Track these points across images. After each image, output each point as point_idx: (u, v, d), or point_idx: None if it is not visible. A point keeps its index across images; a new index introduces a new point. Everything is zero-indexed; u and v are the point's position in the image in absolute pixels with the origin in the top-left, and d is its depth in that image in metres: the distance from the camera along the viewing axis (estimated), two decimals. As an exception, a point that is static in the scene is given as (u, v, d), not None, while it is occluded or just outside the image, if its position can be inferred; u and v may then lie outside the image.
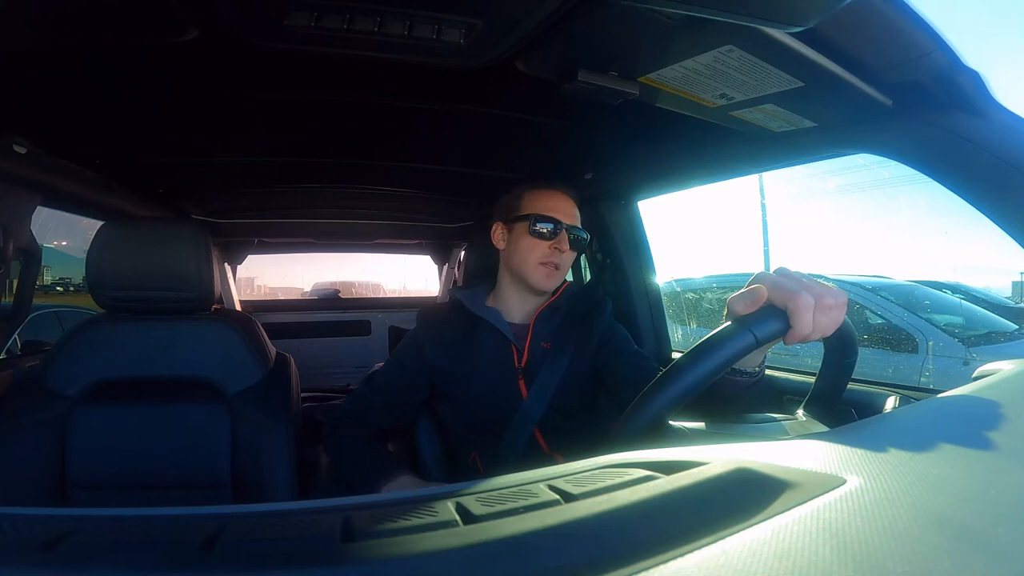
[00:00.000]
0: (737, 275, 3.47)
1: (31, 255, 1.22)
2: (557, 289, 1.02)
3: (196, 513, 0.30)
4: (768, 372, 0.60)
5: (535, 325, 0.99)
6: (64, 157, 1.17)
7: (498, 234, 1.01)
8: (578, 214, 0.99)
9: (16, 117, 0.97)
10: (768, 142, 0.93)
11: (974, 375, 0.57)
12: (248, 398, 1.01)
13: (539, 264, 0.95)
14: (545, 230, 0.94)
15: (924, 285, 3.14)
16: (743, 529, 0.26)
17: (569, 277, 1.34)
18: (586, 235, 0.99)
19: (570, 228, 0.96)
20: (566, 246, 0.95)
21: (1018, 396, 0.48)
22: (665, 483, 0.31)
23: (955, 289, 3.25)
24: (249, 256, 2.70)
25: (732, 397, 0.57)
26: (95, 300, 1.02)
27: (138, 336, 1.01)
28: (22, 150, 1.03)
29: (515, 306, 1.01)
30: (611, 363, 1.00)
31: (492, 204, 1.08)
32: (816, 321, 0.48)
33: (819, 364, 0.61)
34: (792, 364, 1.16)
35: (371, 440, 0.96)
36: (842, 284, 0.61)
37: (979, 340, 2.60)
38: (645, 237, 1.47)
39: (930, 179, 0.70)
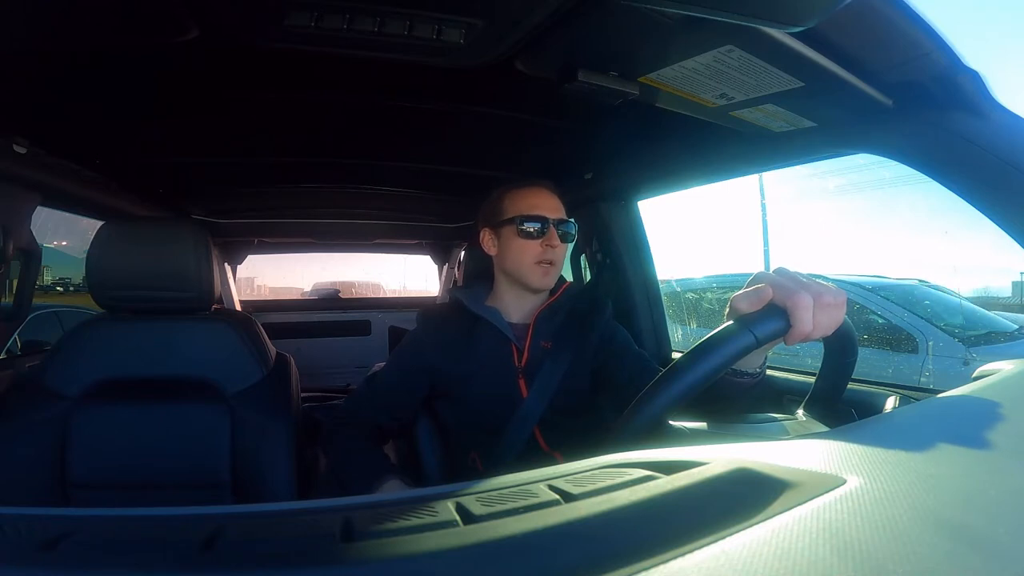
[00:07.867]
0: (737, 275, 3.46)
1: (31, 255, 1.21)
2: (557, 288, 1.01)
3: (196, 513, 0.30)
4: (768, 372, 0.60)
5: (536, 324, 0.99)
6: (64, 157, 1.17)
7: (487, 240, 1.01)
8: (561, 206, 0.99)
9: (16, 117, 0.97)
10: (768, 142, 0.93)
11: (974, 375, 0.57)
12: (248, 398, 1.01)
13: (535, 264, 0.95)
14: (533, 229, 0.95)
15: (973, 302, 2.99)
16: (743, 529, 0.26)
17: (569, 277, 1.35)
18: (574, 226, 0.99)
19: (557, 223, 0.96)
20: (556, 241, 0.95)
21: (1018, 396, 0.47)
22: (665, 483, 0.31)
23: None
24: (249, 256, 2.70)
25: (733, 398, 0.57)
26: (95, 300, 1.02)
27: (138, 336, 1.01)
28: (22, 150, 1.03)
29: (514, 306, 1.01)
30: (611, 363, 1.00)
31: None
32: (816, 320, 0.48)
33: (819, 364, 0.61)
34: (792, 364, 1.16)
35: (366, 441, 0.95)
36: (842, 284, 0.61)
37: (979, 340, 2.60)
38: (645, 237, 1.47)
39: (930, 179, 0.70)
